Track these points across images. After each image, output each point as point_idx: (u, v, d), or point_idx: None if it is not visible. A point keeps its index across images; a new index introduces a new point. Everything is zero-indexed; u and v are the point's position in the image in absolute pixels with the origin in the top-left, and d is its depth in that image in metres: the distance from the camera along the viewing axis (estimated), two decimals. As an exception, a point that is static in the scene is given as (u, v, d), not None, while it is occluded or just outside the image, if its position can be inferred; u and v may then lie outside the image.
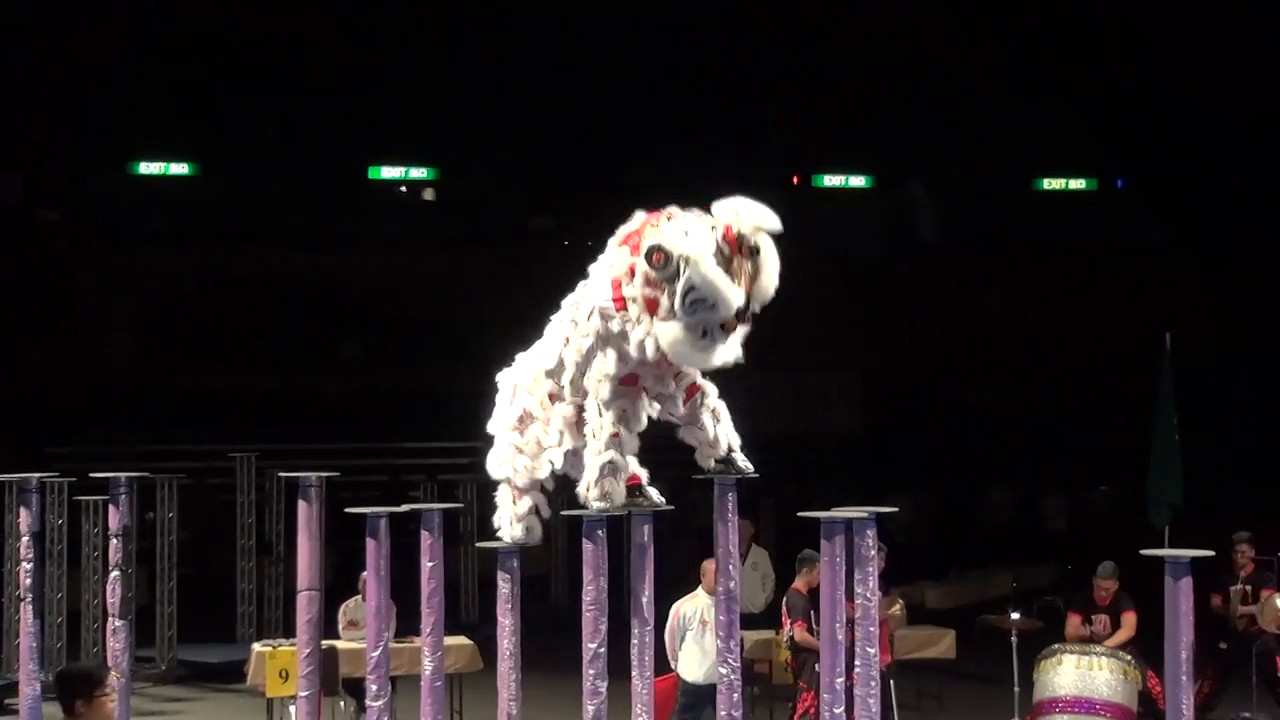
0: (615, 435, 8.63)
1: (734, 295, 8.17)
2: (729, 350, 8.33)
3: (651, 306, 8.32)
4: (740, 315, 8.24)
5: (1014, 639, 14.94)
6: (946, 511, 29.83)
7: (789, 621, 13.68)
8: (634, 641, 8.81)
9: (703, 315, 8.15)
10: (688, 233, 8.21)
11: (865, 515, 8.65)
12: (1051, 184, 38.57)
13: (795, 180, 36.97)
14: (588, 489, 8.68)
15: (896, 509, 10.11)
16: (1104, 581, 14.33)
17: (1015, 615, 15.45)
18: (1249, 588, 15.33)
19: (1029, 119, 35.62)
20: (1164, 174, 34.75)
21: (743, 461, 8.83)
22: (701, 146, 32.92)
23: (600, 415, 8.66)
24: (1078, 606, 14.66)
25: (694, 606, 13.20)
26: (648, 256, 8.24)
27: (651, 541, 8.85)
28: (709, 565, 12.60)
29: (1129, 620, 14.12)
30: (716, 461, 8.84)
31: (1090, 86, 34.44)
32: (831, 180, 37.81)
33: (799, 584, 13.70)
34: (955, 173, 36.89)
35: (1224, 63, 31.53)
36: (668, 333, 8.24)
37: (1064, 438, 31.50)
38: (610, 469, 8.64)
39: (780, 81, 34.44)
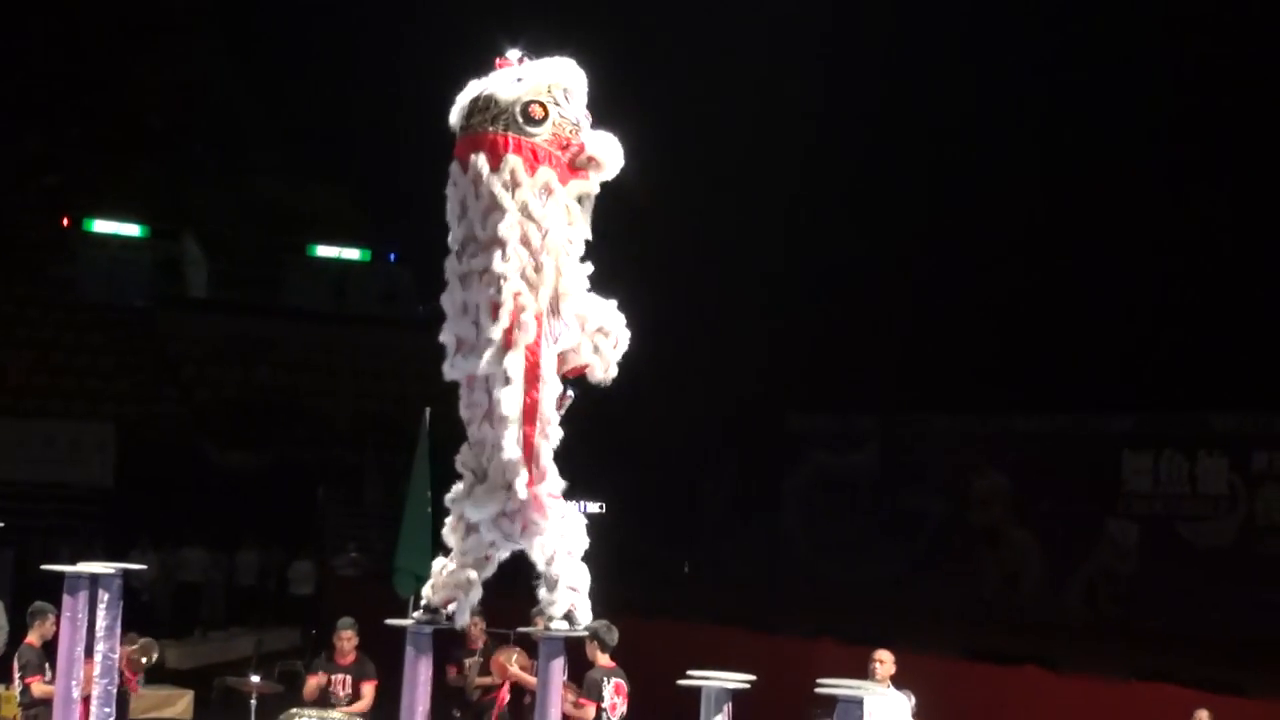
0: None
1: None
2: None
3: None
4: None
5: (253, 701, 14.95)
6: (189, 571, 29.39)
7: (19, 676, 13.25)
8: None
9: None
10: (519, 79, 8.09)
11: (112, 571, 8.48)
12: (326, 251, 38.97)
13: (66, 222, 35.83)
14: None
15: (145, 566, 9.96)
16: (344, 633, 14.51)
17: (256, 678, 15.45)
18: (483, 659, 15.86)
19: (305, 187, 35.89)
20: (433, 249, 35.67)
21: None
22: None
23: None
24: (319, 668, 14.78)
25: None
26: (525, 114, 7.99)
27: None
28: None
29: (368, 691, 14.35)
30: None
31: (364, 164, 34.99)
32: (103, 226, 36.81)
33: (32, 638, 13.31)
34: (231, 231, 36.69)
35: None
36: (603, 145, 8.16)
37: (319, 504, 31.71)
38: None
39: (58, 117, 33.38)
